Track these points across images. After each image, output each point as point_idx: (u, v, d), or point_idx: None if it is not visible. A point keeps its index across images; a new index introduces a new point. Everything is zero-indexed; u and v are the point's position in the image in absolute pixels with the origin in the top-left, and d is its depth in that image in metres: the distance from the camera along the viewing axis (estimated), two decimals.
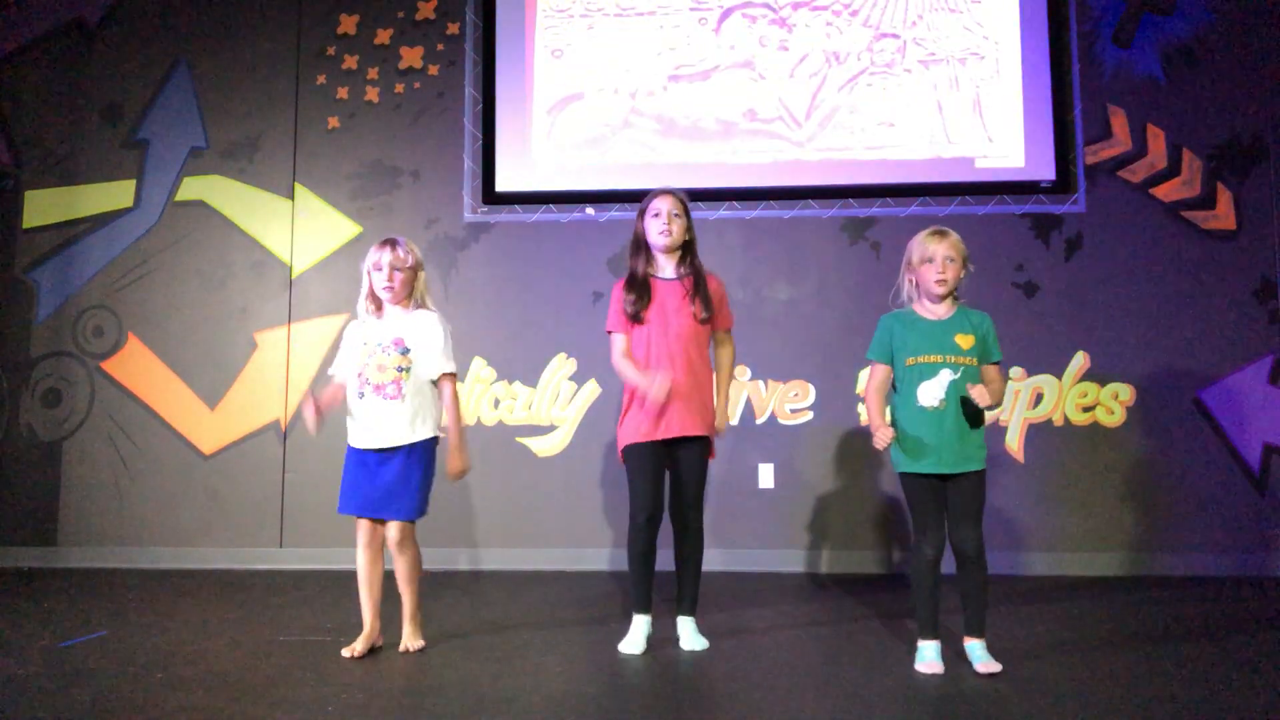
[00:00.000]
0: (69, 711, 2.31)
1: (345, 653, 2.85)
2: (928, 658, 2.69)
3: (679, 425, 2.93)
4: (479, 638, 3.10)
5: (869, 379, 2.85)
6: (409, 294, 2.99)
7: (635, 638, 2.94)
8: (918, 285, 2.78)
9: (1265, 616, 3.44)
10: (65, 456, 4.74)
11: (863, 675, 2.64)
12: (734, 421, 4.53)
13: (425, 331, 2.96)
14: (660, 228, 2.99)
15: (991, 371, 2.75)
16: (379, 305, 3.01)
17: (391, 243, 2.96)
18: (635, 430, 2.96)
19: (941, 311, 2.76)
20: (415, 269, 2.99)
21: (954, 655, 2.77)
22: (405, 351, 2.93)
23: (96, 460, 4.72)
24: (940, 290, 2.72)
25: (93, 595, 3.88)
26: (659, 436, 2.93)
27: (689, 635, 2.98)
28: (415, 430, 2.91)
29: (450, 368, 2.98)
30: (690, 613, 3.02)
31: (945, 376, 2.68)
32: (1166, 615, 3.46)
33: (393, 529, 2.90)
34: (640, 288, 3.01)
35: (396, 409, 2.89)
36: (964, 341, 2.71)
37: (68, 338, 4.79)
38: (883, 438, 2.71)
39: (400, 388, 2.90)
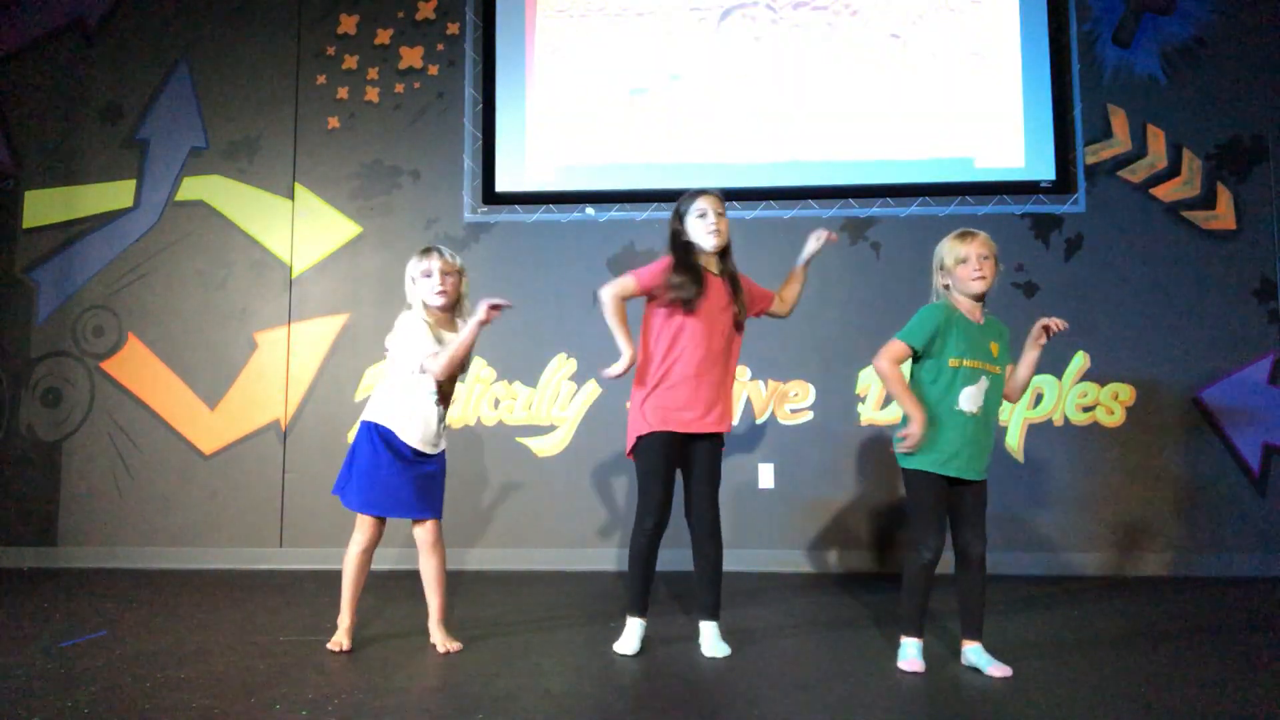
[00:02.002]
0: (69, 711, 2.31)
1: (332, 647, 2.87)
2: (910, 655, 2.69)
3: (708, 421, 2.90)
4: (479, 638, 3.10)
5: (886, 355, 2.69)
6: (458, 299, 3.00)
7: (629, 640, 2.90)
8: (950, 289, 2.76)
9: (1265, 616, 3.44)
10: (65, 456, 4.74)
11: (862, 675, 2.64)
12: (734, 421, 4.52)
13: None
14: (709, 227, 2.93)
15: (1008, 372, 2.81)
16: (438, 314, 2.96)
17: (436, 250, 2.95)
18: (659, 417, 2.87)
19: (976, 316, 2.75)
20: (461, 272, 3.01)
21: (950, 655, 2.77)
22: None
23: (96, 460, 4.72)
24: (980, 288, 2.70)
25: (93, 595, 3.87)
26: (684, 429, 2.87)
27: (710, 641, 2.90)
28: (444, 437, 3.02)
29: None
30: (713, 617, 2.94)
31: (983, 384, 2.69)
32: (1166, 615, 3.46)
33: (430, 528, 2.94)
34: (696, 278, 2.90)
35: (439, 414, 2.97)
36: (995, 349, 2.73)
37: (68, 338, 4.79)
38: (917, 427, 2.61)
39: (443, 393, 2.98)
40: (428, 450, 2.93)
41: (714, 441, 2.96)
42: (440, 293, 2.91)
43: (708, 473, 2.94)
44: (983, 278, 2.70)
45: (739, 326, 2.99)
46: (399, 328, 2.93)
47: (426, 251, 2.96)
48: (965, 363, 2.67)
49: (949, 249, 2.75)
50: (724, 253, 3.03)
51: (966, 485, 2.68)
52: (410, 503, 2.90)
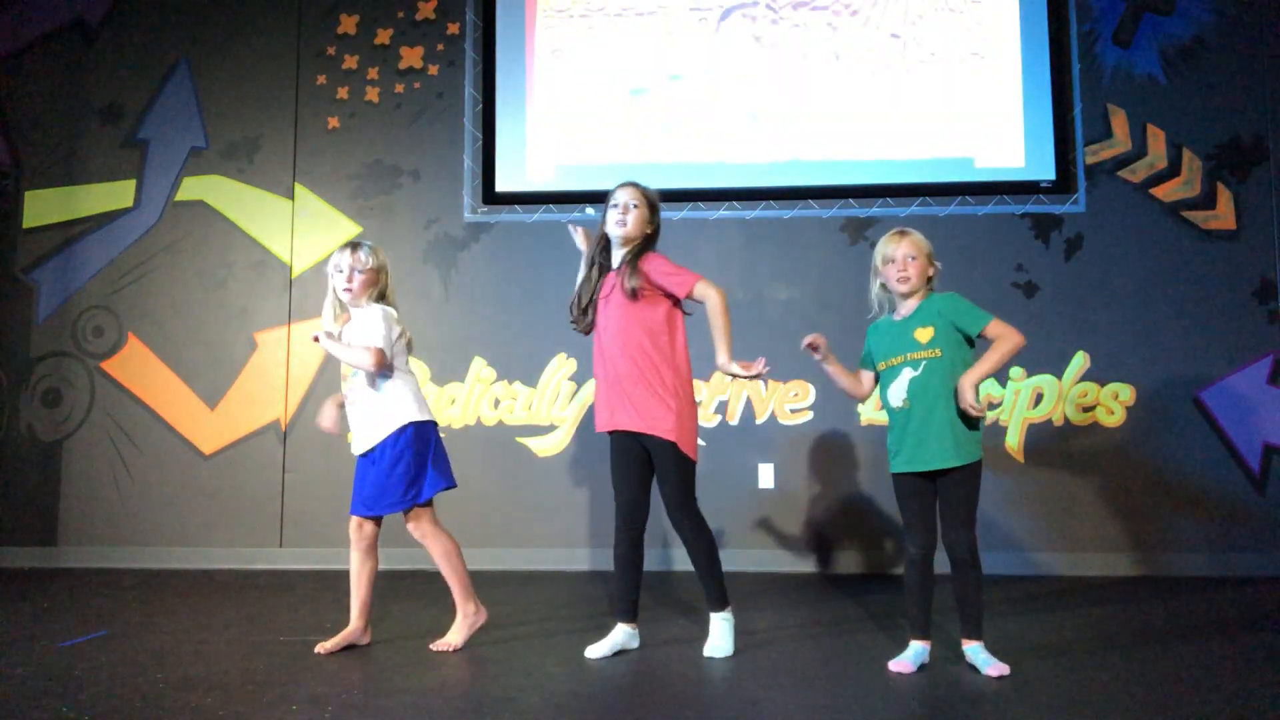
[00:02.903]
0: (69, 711, 2.31)
1: (317, 649, 2.86)
2: (902, 657, 2.69)
3: (622, 418, 2.85)
4: (479, 638, 3.10)
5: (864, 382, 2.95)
6: (368, 297, 2.94)
7: (602, 644, 2.86)
8: (885, 288, 2.81)
9: (1265, 616, 3.44)
10: (65, 456, 4.73)
11: (862, 675, 2.64)
12: (734, 421, 4.53)
13: (361, 324, 2.91)
14: (616, 217, 2.88)
15: (992, 330, 2.66)
16: (343, 310, 2.98)
17: (354, 246, 2.95)
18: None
19: (905, 311, 2.78)
20: (377, 271, 2.95)
21: (951, 655, 2.77)
22: None
23: (96, 460, 4.72)
24: (903, 288, 2.75)
25: (93, 595, 3.87)
26: (604, 428, 2.91)
27: (712, 637, 2.88)
28: (382, 426, 2.89)
29: (376, 343, 2.83)
30: (715, 608, 2.90)
31: (905, 375, 2.71)
32: (1166, 615, 3.46)
33: (411, 523, 2.93)
34: (586, 285, 2.95)
35: (356, 413, 2.93)
36: (922, 335, 2.71)
37: (68, 338, 4.79)
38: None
39: (353, 392, 2.93)
40: (359, 451, 2.94)
41: (661, 445, 2.84)
42: (345, 289, 2.92)
43: (663, 477, 2.87)
44: (905, 278, 2.73)
45: (634, 297, 2.79)
46: None
47: (345, 246, 2.96)
48: (886, 363, 2.77)
49: (880, 248, 2.79)
50: (643, 247, 2.89)
51: (944, 478, 2.68)
52: (365, 498, 2.92)
